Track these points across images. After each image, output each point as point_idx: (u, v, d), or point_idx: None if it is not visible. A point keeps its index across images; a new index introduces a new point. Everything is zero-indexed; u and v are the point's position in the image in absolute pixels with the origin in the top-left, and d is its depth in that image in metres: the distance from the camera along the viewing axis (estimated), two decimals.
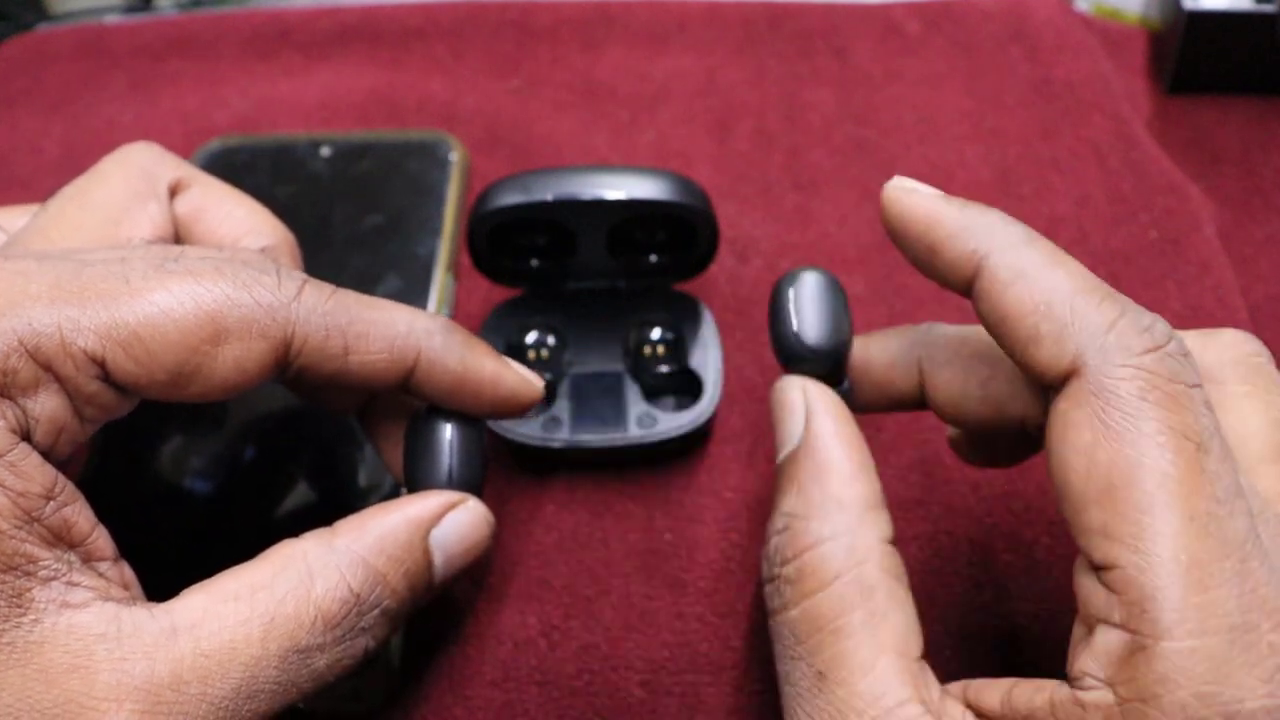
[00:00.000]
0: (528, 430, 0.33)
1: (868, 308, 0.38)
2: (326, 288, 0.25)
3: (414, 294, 0.36)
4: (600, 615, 0.31)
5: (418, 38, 0.47)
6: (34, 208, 0.28)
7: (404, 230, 0.38)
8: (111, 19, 0.51)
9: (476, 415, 0.27)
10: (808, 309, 0.25)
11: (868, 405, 0.27)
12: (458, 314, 0.38)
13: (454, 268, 0.38)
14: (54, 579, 0.21)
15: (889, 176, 0.41)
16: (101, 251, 0.24)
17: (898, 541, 0.23)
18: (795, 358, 0.25)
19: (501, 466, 0.34)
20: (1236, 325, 0.36)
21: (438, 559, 0.25)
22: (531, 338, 0.35)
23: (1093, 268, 0.38)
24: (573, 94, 0.45)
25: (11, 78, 0.48)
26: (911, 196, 0.24)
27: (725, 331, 0.37)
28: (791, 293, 0.25)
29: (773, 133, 0.43)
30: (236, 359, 0.23)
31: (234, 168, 0.40)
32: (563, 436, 0.32)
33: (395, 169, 0.40)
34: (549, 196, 0.32)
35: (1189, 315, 0.36)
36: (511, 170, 0.42)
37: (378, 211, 0.39)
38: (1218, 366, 0.23)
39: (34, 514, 0.21)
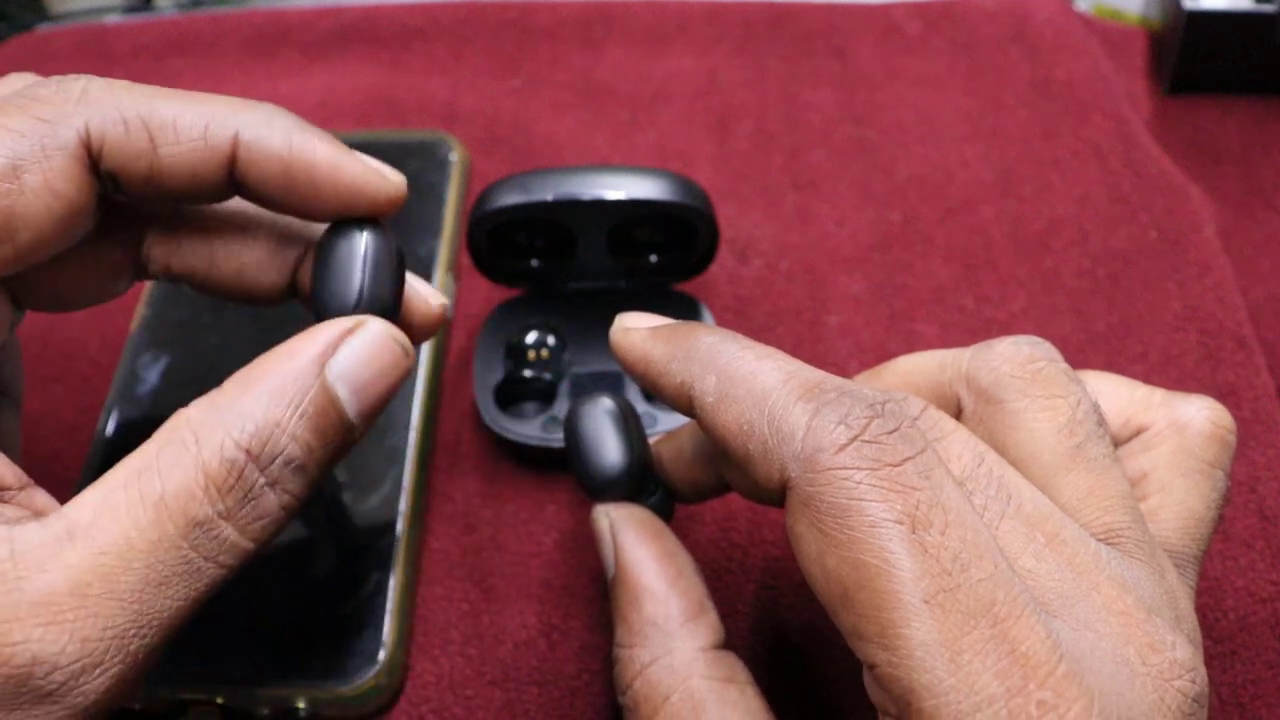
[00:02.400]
0: (528, 430, 0.33)
1: (868, 308, 0.38)
2: (120, 82, 0.23)
3: None
4: (600, 615, 0.31)
5: (418, 38, 0.47)
6: None
7: (404, 230, 0.38)
8: (111, 19, 0.51)
9: (320, 215, 0.25)
10: (593, 442, 0.26)
11: (688, 500, 0.28)
12: (458, 314, 0.38)
13: (454, 268, 0.38)
14: None
15: (889, 176, 0.41)
16: None
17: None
18: (594, 490, 0.26)
19: (502, 466, 0.34)
20: (1236, 325, 0.36)
21: (342, 393, 0.22)
22: (531, 338, 0.35)
23: (1092, 268, 0.38)
24: (573, 94, 0.45)
25: None
26: (627, 338, 0.24)
27: None
28: (577, 430, 0.26)
29: (773, 133, 0.43)
30: (44, 185, 0.22)
31: None
32: (563, 436, 0.32)
33: (395, 169, 0.40)
34: (549, 196, 0.32)
35: (1189, 315, 0.36)
36: (511, 170, 0.42)
37: None
38: (994, 386, 0.23)
39: None
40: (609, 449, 0.26)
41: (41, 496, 0.22)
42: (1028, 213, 0.40)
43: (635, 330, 0.24)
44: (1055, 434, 0.22)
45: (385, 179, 0.25)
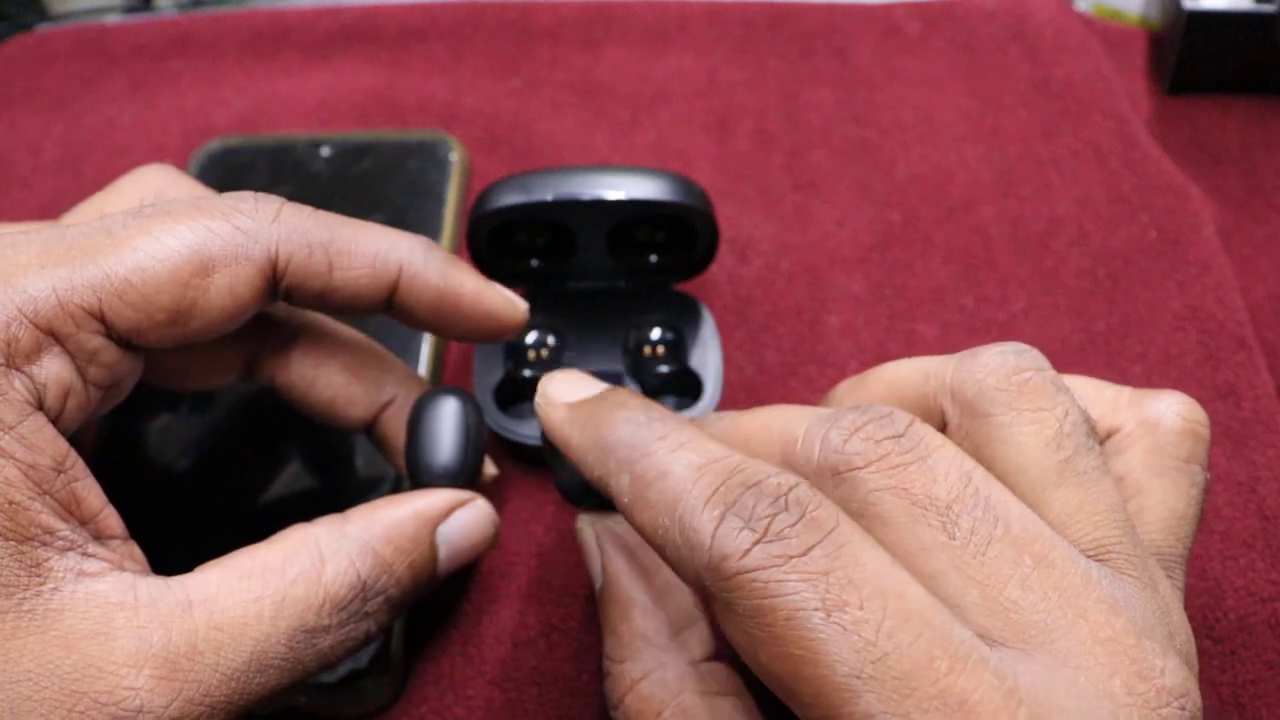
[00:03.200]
0: (528, 430, 0.33)
1: (868, 308, 0.38)
2: (306, 209, 0.25)
3: None
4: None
5: (418, 38, 0.47)
6: (36, 225, 0.29)
7: (404, 227, 0.38)
8: (111, 19, 0.51)
9: (460, 336, 0.28)
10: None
11: None
12: None
13: None
14: (70, 549, 0.21)
15: (889, 176, 0.41)
16: (81, 220, 0.25)
17: None
18: (575, 500, 0.26)
19: (502, 466, 0.34)
20: (1236, 325, 0.36)
21: (442, 553, 0.26)
22: (531, 338, 0.35)
23: (1092, 268, 0.38)
24: (573, 94, 0.45)
25: (11, 78, 0.48)
26: (548, 415, 0.24)
27: (725, 331, 0.37)
28: (552, 445, 0.26)
29: (773, 133, 0.43)
30: (228, 286, 0.24)
31: (234, 168, 0.40)
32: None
33: (395, 169, 0.40)
34: (549, 196, 0.32)
35: (1189, 315, 0.36)
36: (511, 170, 0.42)
37: (378, 211, 0.39)
38: (979, 398, 0.22)
39: (45, 486, 0.21)
40: None
41: (137, 551, 0.23)
42: (1028, 213, 0.40)
43: (555, 407, 0.24)
44: (1043, 448, 0.22)
45: (515, 306, 0.28)
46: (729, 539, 0.19)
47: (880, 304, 0.38)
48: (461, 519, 0.27)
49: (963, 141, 0.43)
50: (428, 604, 0.31)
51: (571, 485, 0.26)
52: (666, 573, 0.25)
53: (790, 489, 0.19)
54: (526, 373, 0.34)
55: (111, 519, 0.23)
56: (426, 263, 0.27)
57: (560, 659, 0.30)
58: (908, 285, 0.38)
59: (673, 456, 0.21)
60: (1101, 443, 0.24)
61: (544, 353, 0.35)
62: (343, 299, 0.26)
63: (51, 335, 0.22)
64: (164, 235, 0.23)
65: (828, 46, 0.46)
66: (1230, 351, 0.35)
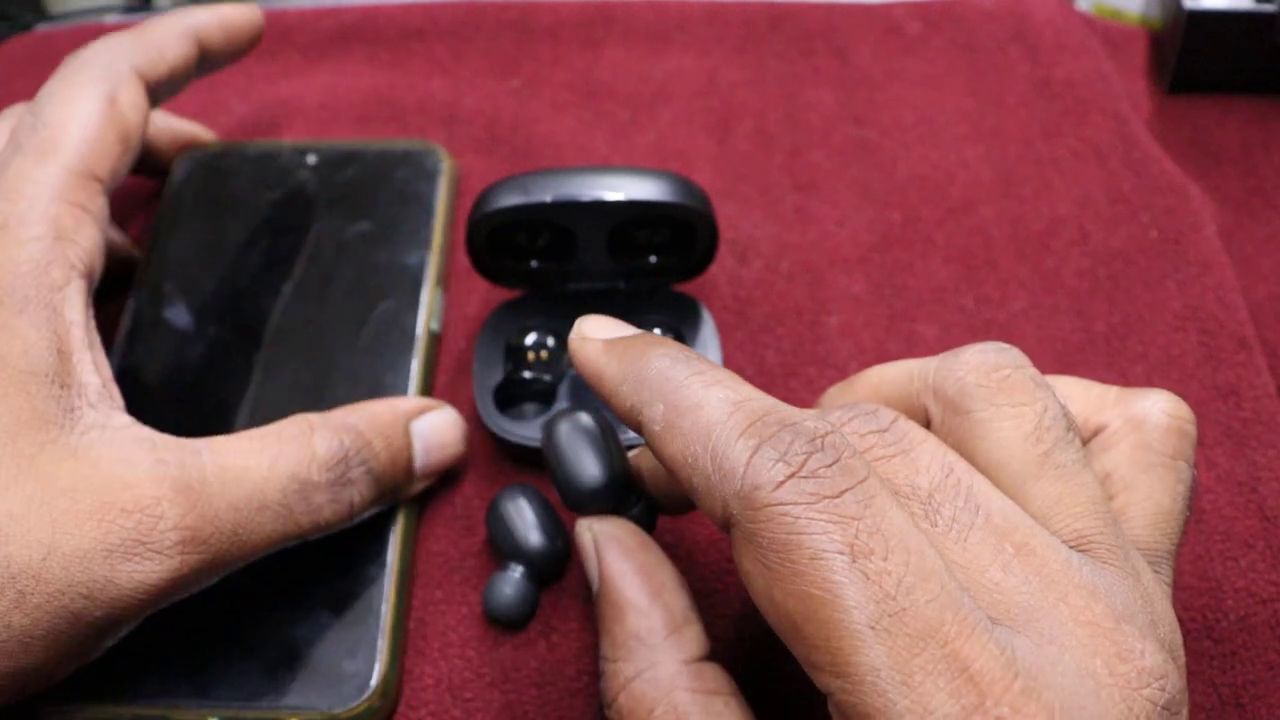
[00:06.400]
0: (527, 431, 0.33)
1: (868, 308, 0.38)
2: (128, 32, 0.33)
3: (402, 306, 0.36)
4: None
5: (418, 38, 0.47)
6: None
7: (391, 240, 0.37)
8: (111, 19, 0.51)
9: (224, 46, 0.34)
10: (570, 459, 0.26)
11: (670, 512, 0.28)
12: (455, 316, 0.38)
13: (442, 281, 0.37)
14: (99, 404, 0.26)
15: (889, 176, 0.41)
16: None
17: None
18: (574, 505, 0.26)
19: (502, 467, 0.34)
20: (1237, 325, 0.36)
21: (416, 446, 0.31)
22: (531, 339, 0.35)
23: (1092, 268, 0.38)
24: (573, 94, 0.45)
25: (11, 78, 0.48)
26: (582, 349, 0.25)
27: (725, 332, 0.37)
28: (553, 448, 0.27)
29: (773, 133, 0.43)
30: (131, 103, 0.31)
31: (219, 174, 0.40)
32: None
33: (382, 178, 0.39)
34: (549, 197, 0.32)
35: (1189, 315, 0.36)
36: (511, 171, 0.42)
37: (365, 220, 0.38)
38: (960, 395, 0.23)
39: (86, 343, 0.26)
40: (586, 465, 0.26)
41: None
42: (1028, 213, 0.40)
43: (591, 342, 0.25)
44: (1022, 441, 0.22)
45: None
46: (763, 469, 0.19)
47: (880, 304, 0.38)
48: (432, 419, 0.31)
49: (963, 141, 0.43)
50: (428, 607, 0.31)
51: (570, 493, 0.26)
52: (662, 575, 0.25)
53: (827, 433, 0.20)
54: (526, 374, 0.34)
55: (118, 394, 0.27)
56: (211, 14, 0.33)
57: (560, 660, 0.30)
58: (908, 285, 0.38)
59: (708, 390, 0.21)
60: (1088, 440, 0.24)
61: (544, 354, 0.35)
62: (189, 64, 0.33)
63: (80, 207, 0.27)
64: (79, 100, 0.30)
65: (828, 46, 0.46)
66: (1231, 351, 0.35)
